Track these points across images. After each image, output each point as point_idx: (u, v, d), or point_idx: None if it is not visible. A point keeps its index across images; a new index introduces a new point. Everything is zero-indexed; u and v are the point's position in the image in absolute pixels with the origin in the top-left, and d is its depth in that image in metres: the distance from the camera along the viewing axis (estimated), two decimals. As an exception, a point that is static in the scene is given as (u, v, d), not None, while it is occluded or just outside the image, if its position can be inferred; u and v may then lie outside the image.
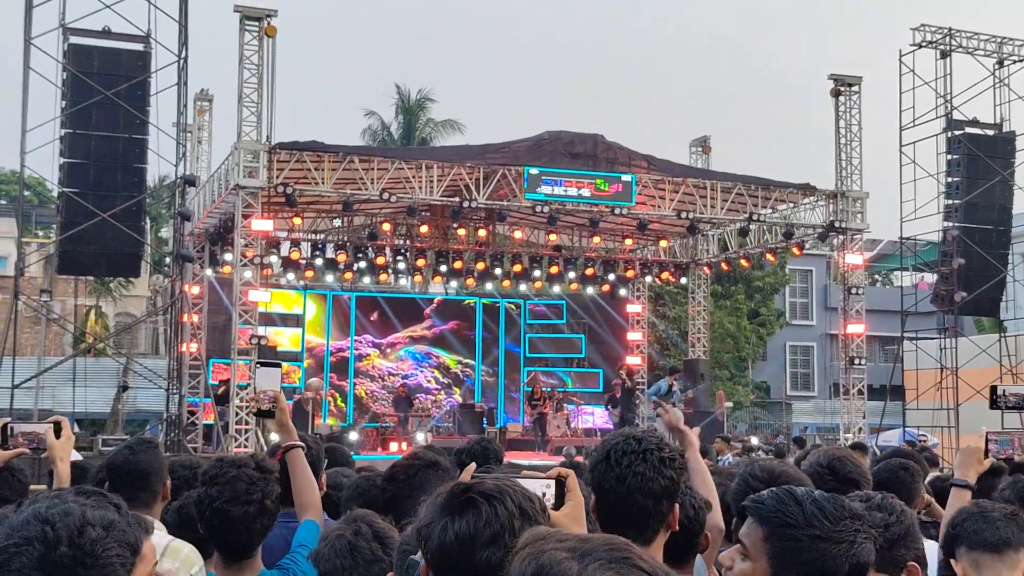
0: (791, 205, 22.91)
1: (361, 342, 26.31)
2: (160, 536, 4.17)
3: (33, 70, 17.83)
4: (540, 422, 23.64)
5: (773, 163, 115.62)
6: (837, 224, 21.85)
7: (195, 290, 22.38)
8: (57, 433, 3.92)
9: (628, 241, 25.65)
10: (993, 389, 4.45)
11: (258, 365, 4.37)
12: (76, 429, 22.08)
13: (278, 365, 4.42)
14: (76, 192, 17.70)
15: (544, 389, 24.65)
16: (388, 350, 26.66)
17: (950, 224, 22.67)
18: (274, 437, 15.22)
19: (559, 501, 2.26)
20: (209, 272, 23.21)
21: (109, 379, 25.50)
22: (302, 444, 3.99)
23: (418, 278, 26.19)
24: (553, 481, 2.27)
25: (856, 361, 22.04)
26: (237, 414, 18.13)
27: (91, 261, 18.68)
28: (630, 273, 26.25)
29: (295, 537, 3.72)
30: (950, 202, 22.79)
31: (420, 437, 21.28)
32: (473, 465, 2.31)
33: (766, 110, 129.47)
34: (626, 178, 20.60)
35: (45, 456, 4.07)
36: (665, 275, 26.60)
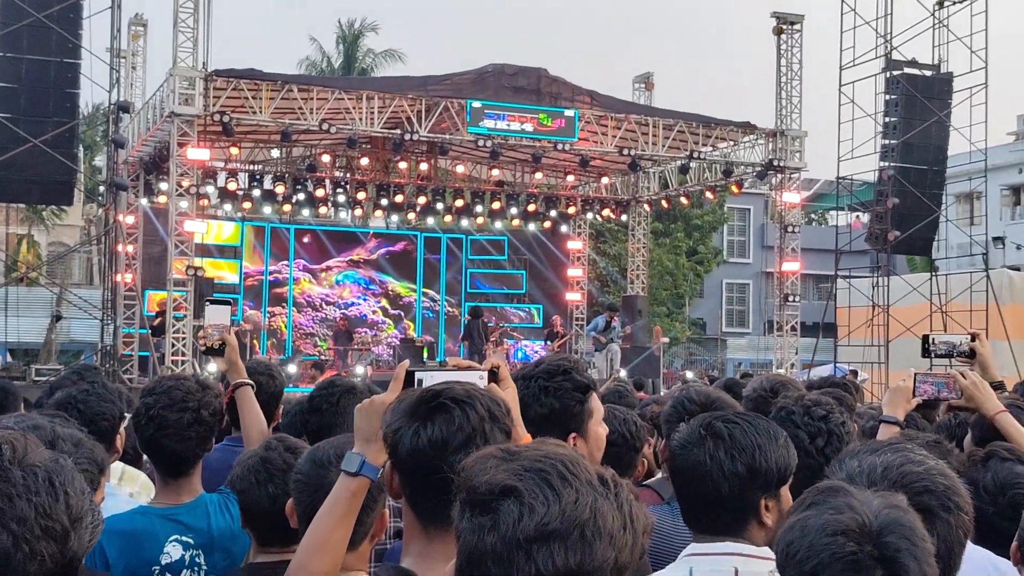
0: (731, 143, 23.04)
1: (286, 265, 25.94)
2: (114, 463, 4.18)
3: (-41, -9, 17.27)
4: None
5: (714, 101, 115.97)
6: (776, 163, 22.03)
7: (130, 220, 21.99)
8: None
9: (570, 177, 25.63)
10: (925, 338, 4.54)
11: (207, 303, 4.33)
12: (8, 359, 21.79)
13: (227, 303, 4.38)
14: (7, 117, 17.24)
15: (487, 323, 24.55)
16: (323, 275, 26.24)
17: (886, 164, 22.93)
18: (211, 368, 15.12)
19: None
20: (144, 202, 22.81)
21: (42, 309, 25.14)
22: (251, 382, 3.99)
23: (358, 211, 25.96)
24: (487, 372, 2.40)
25: (791, 298, 22.39)
26: (173, 345, 17.97)
27: (22, 188, 18.26)
28: (572, 210, 26.29)
29: None
30: (887, 142, 22.99)
31: (359, 370, 21.27)
32: (407, 361, 2.36)
33: (708, 48, 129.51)
34: (569, 113, 20.53)
35: None
36: (606, 212, 26.69)
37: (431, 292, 27.08)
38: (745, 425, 2.56)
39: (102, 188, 21.25)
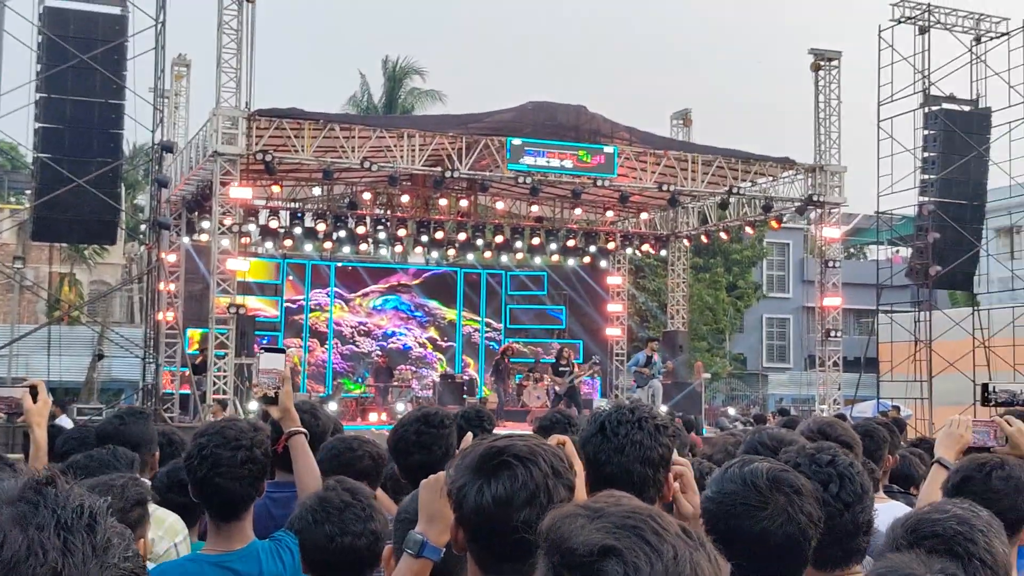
0: (770, 179, 22.98)
1: (323, 295, 25.92)
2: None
3: (7, 33, 17.61)
4: (571, 393, 22.74)
5: (753, 137, 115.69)
6: (815, 198, 21.94)
7: (171, 258, 22.20)
8: (34, 397, 3.87)
9: (609, 213, 25.64)
10: (984, 387, 4.55)
11: (262, 350, 4.33)
12: (49, 397, 21.97)
13: (282, 351, 4.38)
14: (51, 158, 17.48)
15: (510, 361, 24.32)
16: (356, 301, 25.99)
17: (925, 199, 22.79)
18: (253, 407, 15.11)
19: None
20: (186, 240, 23.01)
21: (84, 347, 25.39)
22: (304, 431, 3.96)
23: (398, 248, 26.08)
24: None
25: (832, 333, 22.20)
26: (215, 384, 18.06)
27: (66, 228, 18.49)
28: (611, 245, 26.27)
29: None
30: (926, 177, 22.89)
31: (400, 407, 21.29)
32: (469, 435, 2.34)
33: (746, 84, 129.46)
34: (608, 150, 20.56)
35: (21, 420, 4.02)
36: (646, 247, 26.64)
37: (474, 317, 27.08)
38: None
39: (144, 227, 21.46)
